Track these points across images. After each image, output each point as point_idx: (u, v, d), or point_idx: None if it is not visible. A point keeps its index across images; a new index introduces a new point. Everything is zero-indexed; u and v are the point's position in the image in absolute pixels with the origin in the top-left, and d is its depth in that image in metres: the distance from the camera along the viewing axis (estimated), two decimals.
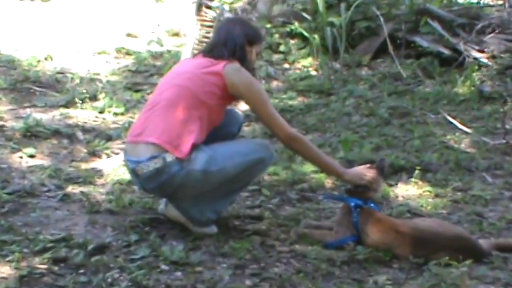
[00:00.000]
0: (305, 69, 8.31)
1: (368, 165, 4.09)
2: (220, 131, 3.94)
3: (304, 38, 8.69)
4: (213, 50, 3.91)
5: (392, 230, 3.78)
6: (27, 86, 6.98)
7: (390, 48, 8.23)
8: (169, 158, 3.63)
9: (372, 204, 3.94)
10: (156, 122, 3.72)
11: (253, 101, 3.85)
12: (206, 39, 7.62)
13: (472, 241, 3.78)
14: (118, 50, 8.58)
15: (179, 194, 3.78)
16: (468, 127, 6.27)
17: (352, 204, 3.91)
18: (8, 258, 3.38)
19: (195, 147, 3.68)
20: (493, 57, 7.92)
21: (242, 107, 5.64)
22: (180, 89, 3.77)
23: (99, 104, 6.56)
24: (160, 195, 4.00)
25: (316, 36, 8.33)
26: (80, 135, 5.74)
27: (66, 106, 6.46)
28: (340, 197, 4.33)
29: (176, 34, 9.39)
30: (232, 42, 3.90)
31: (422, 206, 4.65)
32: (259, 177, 4.78)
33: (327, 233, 3.97)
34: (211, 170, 3.69)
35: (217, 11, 7.72)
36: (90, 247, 3.55)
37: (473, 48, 8.07)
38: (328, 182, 5.01)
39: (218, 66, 3.79)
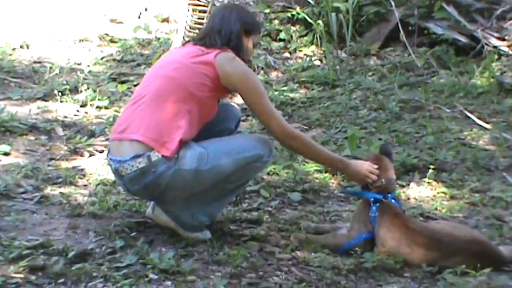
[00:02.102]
0: (308, 59, 8.33)
1: (368, 162, 4.08)
2: (215, 127, 3.93)
3: (306, 24, 8.72)
4: (205, 37, 3.90)
5: (404, 226, 3.80)
6: (1, 76, 7.00)
7: (402, 35, 8.25)
8: (154, 156, 3.62)
9: (393, 200, 3.95)
10: (140, 117, 3.71)
11: (248, 93, 3.83)
12: (199, 26, 7.62)
13: (490, 246, 3.78)
14: (101, 37, 8.59)
15: (167, 196, 3.77)
16: (487, 122, 6.28)
17: (371, 198, 3.92)
18: None
19: (183, 144, 3.67)
20: None
21: (238, 100, 5.65)
22: (167, 80, 3.76)
23: (80, 96, 6.56)
24: (146, 197, 3.99)
25: (320, 22, 8.34)
26: (60, 131, 5.75)
27: (44, 99, 6.47)
28: (358, 191, 4.31)
29: (165, 20, 9.40)
30: (227, 30, 3.89)
31: (436, 208, 4.66)
32: (257, 177, 4.78)
33: (334, 234, 3.98)
34: (202, 169, 3.68)
35: None
36: (70, 254, 3.53)
37: (493, 36, 8.09)
38: (333, 183, 5.02)
39: (210, 55, 3.78)
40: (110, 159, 3.79)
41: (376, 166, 4.00)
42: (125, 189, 3.87)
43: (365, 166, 4.02)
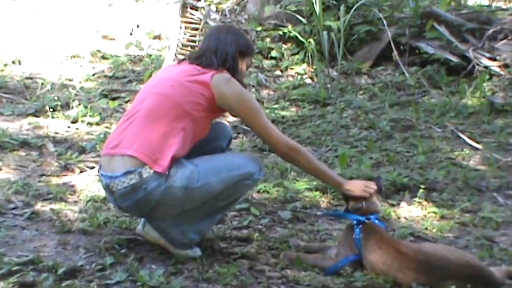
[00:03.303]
0: (299, 77, 8.35)
1: (363, 181, 4.14)
2: (207, 145, 3.95)
3: (298, 43, 8.75)
4: (201, 57, 3.92)
5: (395, 250, 3.78)
6: None
7: (395, 54, 8.29)
8: (145, 173, 3.62)
9: (377, 221, 3.96)
10: (134, 133, 3.72)
11: (245, 112, 3.88)
12: (191, 43, 7.66)
13: (484, 270, 3.74)
14: (93, 54, 8.62)
15: (157, 213, 3.78)
16: (478, 142, 6.30)
17: (354, 220, 3.93)
18: None
19: (175, 161, 3.68)
20: (506, 66, 7.99)
21: (230, 118, 5.66)
22: (161, 98, 3.77)
23: (72, 112, 6.56)
24: (137, 214, 4.00)
25: (311, 40, 8.38)
26: (51, 146, 5.74)
27: (35, 115, 6.48)
28: (339, 213, 4.33)
29: (157, 37, 9.43)
30: (223, 51, 3.92)
31: (426, 228, 4.66)
32: (247, 195, 4.79)
33: (323, 256, 3.98)
34: (193, 187, 3.69)
35: (204, 12, 7.75)
36: (60, 271, 3.53)
37: (484, 56, 8.13)
38: (324, 201, 5.03)
39: (206, 75, 3.80)
40: (101, 174, 3.79)
41: (373, 183, 4.02)
42: (116, 205, 3.87)
43: (362, 182, 4.06)
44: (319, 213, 4.81)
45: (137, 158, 3.63)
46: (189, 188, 3.68)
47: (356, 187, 4.01)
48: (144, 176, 3.61)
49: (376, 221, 3.95)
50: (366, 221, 3.91)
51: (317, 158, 5.73)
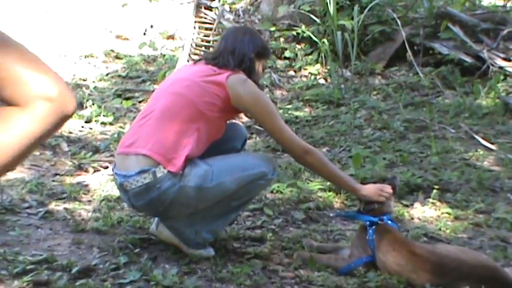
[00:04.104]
0: (312, 77, 8.35)
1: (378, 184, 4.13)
2: (222, 146, 3.95)
3: (312, 43, 8.75)
4: (218, 57, 3.93)
5: (408, 251, 3.78)
6: None
7: (409, 54, 8.28)
8: (159, 172, 3.63)
9: (390, 221, 3.96)
10: (148, 132, 3.73)
11: (260, 114, 3.88)
12: (205, 43, 7.67)
13: (498, 271, 3.72)
14: (107, 54, 8.64)
15: (171, 212, 3.79)
16: (492, 143, 6.28)
17: (367, 221, 3.93)
18: None
19: (189, 161, 3.69)
20: None
21: (244, 119, 5.66)
22: (176, 98, 3.78)
23: (85, 112, 6.59)
24: (151, 213, 4.01)
25: (325, 40, 8.37)
26: (65, 146, 5.77)
27: None
28: (352, 214, 4.33)
29: (171, 37, 9.45)
30: (240, 51, 3.93)
31: (440, 229, 4.65)
32: (260, 195, 4.80)
33: (336, 257, 3.98)
34: (206, 186, 3.70)
35: (217, 12, 7.76)
36: (74, 270, 3.55)
37: (499, 56, 8.11)
38: (337, 202, 5.03)
39: (221, 76, 3.81)
40: (115, 173, 3.79)
41: (388, 187, 4.02)
42: (129, 205, 3.87)
43: (377, 186, 4.05)
44: (331, 214, 4.81)
45: (151, 157, 3.64)
46: (203, 188, 3.69)
47: (372, 193, 4.00)
48: (158, 176, 3.62)
49: (389, 222, 3.95)
50: (379, 222, 3.91)
51: (330, 160, 5.77)
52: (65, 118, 1.74)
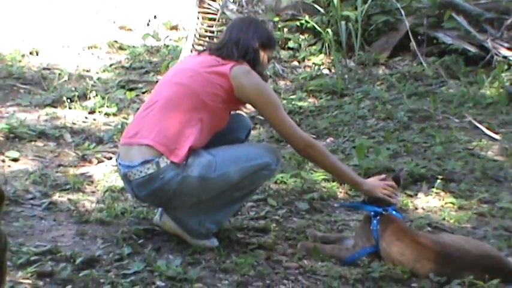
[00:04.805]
0: (316, 68, 8.33)
1: (383, 175, 4.11)
2: (226, 136, 3.95)
3: (315, 33, 8.73)
4: (222, 48, 3.92)
5: (412, 241, 3.78)
6: (10, 82, 7.02)
7: (413, 44, 8.25)
8: (163, 163, 3.63)
9: (394, 212, 3.95)
10: (151, 122, 3.73)
11: (263, 105, 3.88)
12: (208, 34, 7.66)
13: (502, 260, 3.74)
14: (110, 45, 8.63)
15: (174, 203, 3.79)
16: (496, 133, 6.27)
17: (371, 211, 3.92)
18: None
19: (192, 151, 3.69)
20: None
21: (248, 109, 5.65)
22: (180, 88, 3.78)
23: (89, 103, 6.58)
24: (154, 203, 4.01)
25: (329, 31, 8.34)
26: (68, 137, 5.77)
27: (53, 105, 6.50)
28: (356, 204, 4.33)
29: (174, 27, 9.44)
30: (245, 43, 3.92)
31: (444, 219, 4.65)
32: (264, 185, 4.79)
33: (340, 247, 3.98)
34: (210, 177, 3.70)
35: (221, 3, 7.75)
36: (78, 260, 3.56)
37: (503, 46, 8.08)
38: (341, 192, 5.02)
39: (225, 66, 3.81)
40: (119, 163, 3.81)
41: (391, 181, 4.01)
42: (133, 195, 3.88)
43: (380, 181, 4.03)
44: (336, 205, 4.80)
45: (154, 147, 3.64)
46: (206, 178, 3.69)
47: (375, 188, 3.98)
48: (162, 166, 3.62)
49: (394, 212, 3.95)
50: (384, 212, 3.90)
51: (334, 150, 5.77)
52: None
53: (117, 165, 3.90)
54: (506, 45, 8.09)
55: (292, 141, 3.94)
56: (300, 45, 8.76)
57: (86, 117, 6.32)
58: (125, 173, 3.74)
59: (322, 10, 8.74)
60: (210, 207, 3.83)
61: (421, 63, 8.13)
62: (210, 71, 3.80)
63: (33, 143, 5.53)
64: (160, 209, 4.02)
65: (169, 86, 3.83)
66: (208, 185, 3.72)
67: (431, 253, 3.71)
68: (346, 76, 7.93)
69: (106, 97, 6.72)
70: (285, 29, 8.93)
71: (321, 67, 8.36)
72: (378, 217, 3.89)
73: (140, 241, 3.90)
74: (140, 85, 7.36)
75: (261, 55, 3.99)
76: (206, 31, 7.78)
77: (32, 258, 3.54)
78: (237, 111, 4.19)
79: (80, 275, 3.42)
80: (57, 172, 5.05)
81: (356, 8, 8.32)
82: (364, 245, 3.90)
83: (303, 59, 8.56)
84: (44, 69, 7.57)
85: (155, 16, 9.50)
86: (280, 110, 3.89)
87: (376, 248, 3.86)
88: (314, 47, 8.72)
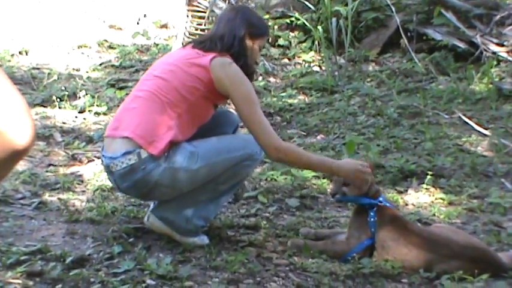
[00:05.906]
0: (306, 65, 8.35)
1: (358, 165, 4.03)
2: (212, 131, 3.92)
3: (305, 30, 8.74)
4: (205, 41, 3.89)
5: (402, 225, 3.83)
6: None
7: (404, 40, 8.28)
8: (144, 154, 3.62)
9: (387, 203, 3.97)
10: (132, 115, 3.72)
11: (239, 100, 3.77)
12: (198, 32, 7.66)
13: (489, 253, 3.77)
14: (100, 44, 8.62)
15: (155, 194, 3.77)
16: (485, 128, 6.29)
17: (367, 204, 3.92)
18: None
19: (174, 144, 3.67)
20: None
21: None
22: (160, 82, 3.77)
23: (79, 102, 6.58)
24: (136, 195, 3.96)
25: (319, 28, 8.35)
26: (58, 136, 5.76)
27: (42, 105, 6.49)
28: (351, 198, 4.31)
29: (164, 26, 9.43)
30: (230, 35, 3.87)
31: (434, 214, 4.66)
32: (255, 183, 4.80)
33: (333, 241, 3.99)
34: (192, 168, 3.67)
35: (210, 1, 7.75)
36: (68, 260, 3.54)
37: (492, 42, 8.10)
38: (331, 189, 5.01)
39: (205, 58, 3.78)
40: (103, 155, 3.80)
41: (366, 164, 3.98)
42: (116, 187, 3.86)
43: (355, 162, 3.95)
44: (331, 199, 4.80)
45: (134, 140, 3.63)
46: (188, 170, 3.66)
47: (351, 174, 3.87)
48: (143, 157, 3.61)
49: (388, 204, 3.96)
50: (379, 203, 3.91)
51: (324, 147, 5.77)
52: (15, 154, 1.49)
53: (101, 157, 3.89)
54: (495, 41, 8.11)
55: (262, 142, 3.77)
56: (290, 42, 8.77)
57: (75, 117, 6.32)
58: (107, 164, 3.73)
59: (312, 7, 8.74)
60: (195, 202, 3.81)
61: (411, 59, 8.14)
62: (189, 63, 3.77)
63: None
64: (149, 211, 4.00)
65: (151, 80, 3.82)
66: (190, 176, 3.68)
67: (418, 238, 3.76)
68: (336, 73, 7.94)
69: (96, 96, 6.72)
70: (275, 27, 8.94)
71: (311, 64, 8.38)
72: (375, 209, 3.90)
73: (130, 240, 3.88)
74: (130, 84, 7.34)
75: (248, 45, 3.92)
76: (196, 29, 7.77)
77: (22, 258, 3.52)
78: (226, 108, 4.17)
79: (70, 274, 3.40)
80: (47, 171, 5.04)
81: (346, 5, 8.32)
82: (359, 236, 3.89)
83: (293, 56, 8.57)
84: (33, 68, 7.56)
85: (145, 15, 9.50)
86: (256, 108, 3.78)
87: (372, 240, 3.87)
88: (304, 44, 8.73)
